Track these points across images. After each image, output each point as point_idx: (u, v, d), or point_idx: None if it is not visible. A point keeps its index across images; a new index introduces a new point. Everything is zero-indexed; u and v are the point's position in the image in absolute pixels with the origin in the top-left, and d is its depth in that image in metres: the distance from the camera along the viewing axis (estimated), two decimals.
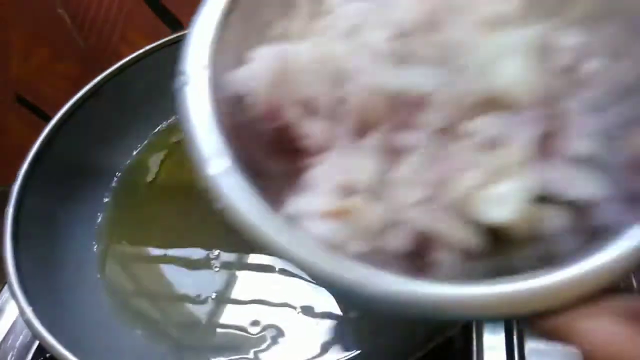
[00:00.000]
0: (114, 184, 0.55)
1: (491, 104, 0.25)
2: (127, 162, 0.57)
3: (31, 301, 0.38)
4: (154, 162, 0.57)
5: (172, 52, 0.56)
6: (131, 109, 0.58)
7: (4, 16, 0.71)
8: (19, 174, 0.47)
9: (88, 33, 0.71)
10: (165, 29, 0.69)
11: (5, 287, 0.57)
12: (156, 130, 0.60)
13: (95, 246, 0.51)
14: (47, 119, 0.84)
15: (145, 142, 0.59)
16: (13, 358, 0.50)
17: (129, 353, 0.44)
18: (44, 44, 0.74)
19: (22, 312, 0.37)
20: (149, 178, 0.56)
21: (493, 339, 0.46)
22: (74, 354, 0.35)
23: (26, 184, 0.46)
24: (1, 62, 0.77)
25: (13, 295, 0.38)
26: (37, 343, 0.51)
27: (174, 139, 0.59)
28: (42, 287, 0.42)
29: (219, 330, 0.45)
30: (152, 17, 0.68)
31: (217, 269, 0.48)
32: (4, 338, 0.52)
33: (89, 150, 0.54)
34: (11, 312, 0.54)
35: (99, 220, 0.53)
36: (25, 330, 0.52)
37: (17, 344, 0.51)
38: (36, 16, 0.70)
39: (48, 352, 0.43)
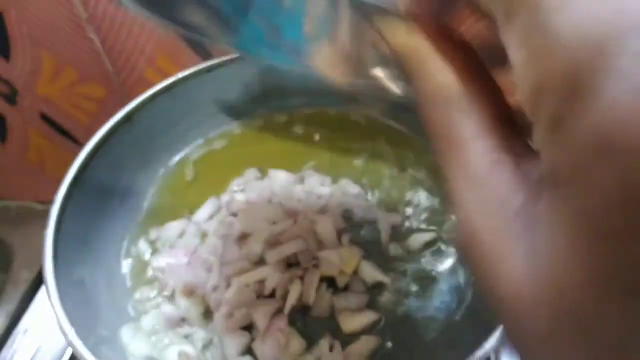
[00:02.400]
0: (143, 208, 0.57)
1: None
2: (156, 186, 0.59)
3: (73, 322, 0.39)
4: (181, 184, 0.60)
5: (201, 81, 0.59)
6: (161, 135, 0.60)
7: (37, 37, 0.73)
8: (57, 197, 0.48)
9: (117, 57, 0.73)
10: (193, 56, 0.71)
11: (29, 310, 0.59)
12: (182, 155, 0.62)
13: (124, 267, 0.53)
14: (70, 138, 0.88)
15: (172, 166, 0.61)
16: None
17: None
18: (72, 66, 0.76)
19: (65, 333, 0.39)
20: (177, 199, 0.58)
21: None
22: None
23: (65, 207, 0.48)
24: (30, 81, 0.79)
25: (57, 318, 0.39)
26: None
27: (198, 165, 0.61)
28: (80, 310, 0.43)
29: None
30: (181, 44, 0.70)
31: None
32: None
33: (121, 174, 0.56)
34: (36, 335, 0.55)
35: (128, 240, 0.55)
36: (51, 353, 0.53)
37: None
38: (68, 39, 0.72)
39: None
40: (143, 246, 0.54)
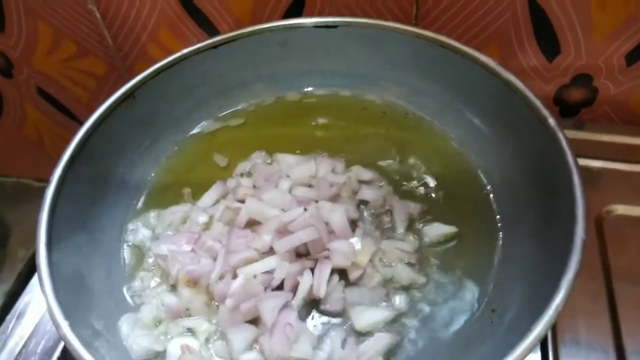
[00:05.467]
0: (145, 190, 0.54)
1: None
2: (158, 167, 0.56)
3: (67, 315, 0.37)
4: (185, 166, 0.56)
5: (207, 58, 0.56)
6: (164, 113, 0.56)
7: (34, 7, 0.69)
8: (52, 178, 0.45)
9: (117, 31, 0.70)
10: (196, 30, 0.67)
11: (26, 290, 0.56)
12: (187, 135, 0.59)
13: (123, 253, 0.50)
14: (68, 114, 0.84)
15: (176, 147, 0.58)
16: None
17: None
18: (71, 39, 0.73)
19: (57, 326, 0.36)
20: (180, 183, 0.55)
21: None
22: None
23: (60, 188, 0.45)
24: (26, 53, 0.76)
25: (49, 309, 0.37)
26: (60, 348, 0.50)
27: (204, 146, 0.58)
28: (75, 300, 0.40)
29: None
30: (184, 17, 0.67)
31: None
32: (25, 343, 0.51)
33: (121, 153, 0.53)
34: (33, 315, 0.53)
35: (127, 224, 0.52)
36: (48, 335, 0.51)
37: (39, 349, 0.50)
38: (66, 10, 0.68)
39: None
40: (143, 231, 0.51)
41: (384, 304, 0.44)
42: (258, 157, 0.55)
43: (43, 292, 0.38)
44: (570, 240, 0.37)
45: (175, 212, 0.51)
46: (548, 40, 0.60)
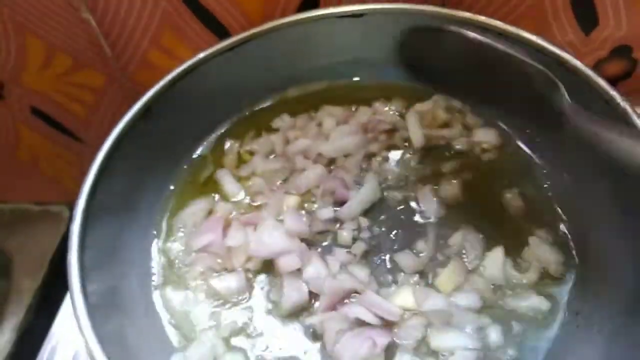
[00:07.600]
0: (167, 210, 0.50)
1: None
2: (182, 178, 0.53)
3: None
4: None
5: (226, 60, 0.51)
6: (184, 123, 0.52)
7: (22, 21, 0.63)
8: (75, 212, 0.40)
9: (116, 39, 0.64)
10: (204, 31, 0.62)
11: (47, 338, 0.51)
12: (207, 143, 0.55)
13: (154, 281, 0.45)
14: (66, 132, 0.79)
15: (198, 153, 0.54)
16: None
17: None
18: (65, 52, 0.67)
19: None
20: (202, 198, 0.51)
21: None
22: None
23: (86, 220, 0.40)
24: (16, 71, 0.70)
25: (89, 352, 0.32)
26: None
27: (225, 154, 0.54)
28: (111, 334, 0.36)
29: None
30: (189, 18, 0.61)
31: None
32: None
33: (141, 174, 0.49)
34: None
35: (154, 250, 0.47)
36: None
37: None
38: (58, 21, 0.63)
39: None
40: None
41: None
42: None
43: (88, 350, 0.33)
44: None
45: (195, 211, 0.48)
46: (585, 12, 0.56)
